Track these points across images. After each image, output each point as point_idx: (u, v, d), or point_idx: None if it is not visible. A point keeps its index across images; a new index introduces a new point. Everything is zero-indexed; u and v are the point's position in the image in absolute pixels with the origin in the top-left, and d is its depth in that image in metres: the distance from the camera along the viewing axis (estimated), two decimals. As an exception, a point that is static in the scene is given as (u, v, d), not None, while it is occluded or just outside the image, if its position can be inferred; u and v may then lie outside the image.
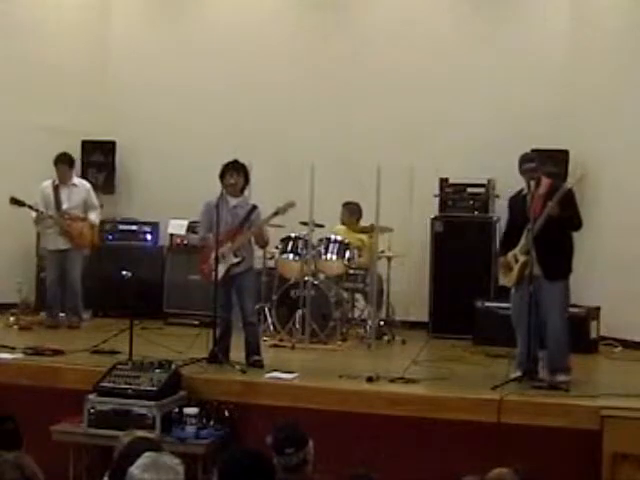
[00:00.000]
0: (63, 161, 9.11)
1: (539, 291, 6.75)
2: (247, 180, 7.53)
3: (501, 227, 9.20)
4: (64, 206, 9.05)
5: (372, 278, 8.77)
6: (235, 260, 7.36)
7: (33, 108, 10.04)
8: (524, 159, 6.96)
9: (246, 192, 7.66)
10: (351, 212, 9.36)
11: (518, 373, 6.80)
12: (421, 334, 9.22)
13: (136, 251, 10.01)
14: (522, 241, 6.82)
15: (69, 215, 9.02)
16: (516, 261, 6.83)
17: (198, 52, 10.46)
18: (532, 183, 6.79)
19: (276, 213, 7.52)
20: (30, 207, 8.91)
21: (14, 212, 9.11)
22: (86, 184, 9.35)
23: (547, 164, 8.58)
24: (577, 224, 6.90)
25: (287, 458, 4.26)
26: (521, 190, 7.04)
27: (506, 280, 7.00)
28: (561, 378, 6.73)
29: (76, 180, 9.27)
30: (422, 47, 9.82)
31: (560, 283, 6.84)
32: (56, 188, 9.09)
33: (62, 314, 9.16)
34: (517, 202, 7.04)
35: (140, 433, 4.40)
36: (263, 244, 7.85)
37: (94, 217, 9.17)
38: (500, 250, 7.14)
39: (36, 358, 7.42)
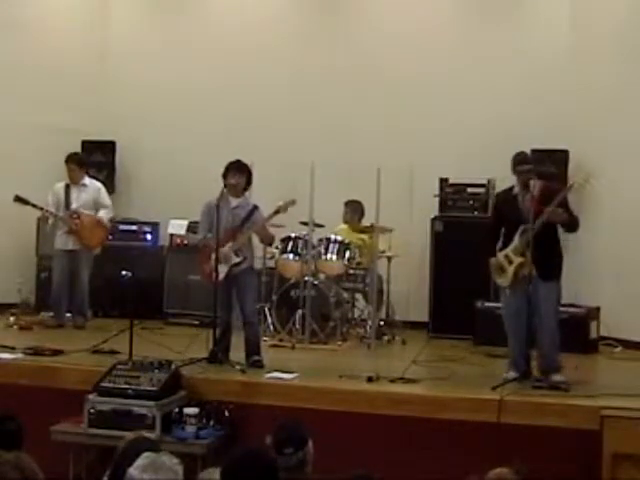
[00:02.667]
0: (73, 161, 9.17)
1: (534, 291, 6.74)
2: (249, 181, 7.50)
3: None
4: (73, 206, 9.07)
5: (372, 278, 8.77)
6: (237, 260, 7.35)
7: (33, 108, 10.04)
8: (519, 160, 6.88)
9: (247, 193, 7.64)
10: (354, 210, 9.37)
11: (512, 374, 6.80)
12: (421, 334, 9.22)
13: (136, 251, 10.01)
14: (515, 242, 6.77)
15: (78, 214, 9.04)
16: (509, 262, 6.78)
17: (198, 52, 10.46)
18: (532, 183, 6.77)
19: (277, 211, 7.50)
20: (34, 206, 8.92)
21: (14, 212, 9.13)
22: (97, 184, 9.38)
23: (545, 164, 8.61)
24: (576, 224, 6.86)
25: (286, 458, 4.26)
26: (511, 188, 7.00)
27: (500, 281, 6.96)
28: (557, 378, 6.72)
29: (87, 180, 9.29)
30: (422, 48, 9.82)
31: (554, 283, 6.82)
32: (67, 188, 9.13)
33: (67, 314, 9.18)
34: (507, 202, 6.98)
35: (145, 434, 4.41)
36: (269, 241, 7.84)
37: (103, 215, 9.17)
38: (488, 250, 6.98)
39: (36, 358, 7.41)
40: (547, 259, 6.74)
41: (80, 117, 10.29)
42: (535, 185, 6.80)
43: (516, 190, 6.90)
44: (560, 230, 6.91)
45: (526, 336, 6.77)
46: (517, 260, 6.73)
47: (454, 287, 9.13)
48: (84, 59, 10.56)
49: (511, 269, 6.76)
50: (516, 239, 6.76)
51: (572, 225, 6.84)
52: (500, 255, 6.85)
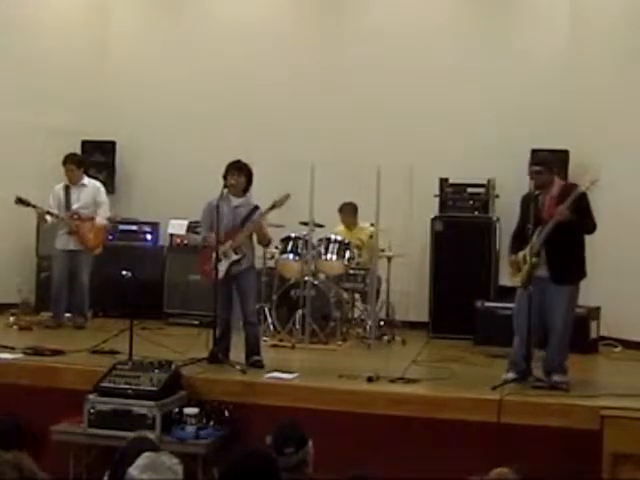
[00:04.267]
0: (71, 161, 9.15)
1: (545, 293, 6.72)
2: (250, 181, 7.48)
3: (501, 227, 9.25)
4: (74, 207, 9.07)
5: (372, 278, 8.77)
6: (235, 257, 7.34)
7: (33, 108, 10.04)
8: (532, 161, 6.93)
9: (249, 193, 7.63)
10: (351, 212, 9.38)
11: (511, 374, 6.78)
12: (421, 334, 9.23)
13: (136, 251, 10.02)
14: (532, 242, 6.78)
15: (78, 215, 9.04)
16: (525, 262, 6.79)
17: (198, 52, 10.47)
18: (531, 183, 6.74)
19: (273, 206, 7.47)
20: (35, 207, 8.91)
21: (14, 212, 9.12)
22: (96, 183, 9.37)
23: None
24: (590, 227, 6.80)
25: (286, 458, 4.26)
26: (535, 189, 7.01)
27: (515, 280, 6.92)
28: (557, 378, 6.70)
29: (86, 180, 9.28)
30: (422, 48, 9.83)
31: (567, 287, 6.76)
32: (67, 189, 9.13)
33: (67, 314, 9.18)
34: (529, 201, 6.96)
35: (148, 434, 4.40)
36: (266, 242, 7.82)
37: (99, 217, 9.16)
38: (510, 249, 7.04)
39: (36, 358, 7.39)
40: (561, 262, 6.70)
41: (80, 117, 10.29)
42: (555, 185, 6.78)
43: (537, 191, 6.90)
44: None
45: (528, 336, 6.76)
46: (532, 260, 6.72)
47: (454, 287, 9.14)
48: (84, 59, 10.56)
49: (525, 268, 6.75)
50: (534, 239, 6.76)
51: (581, 225, 6.76)
52: (520, 254, 6.83)
